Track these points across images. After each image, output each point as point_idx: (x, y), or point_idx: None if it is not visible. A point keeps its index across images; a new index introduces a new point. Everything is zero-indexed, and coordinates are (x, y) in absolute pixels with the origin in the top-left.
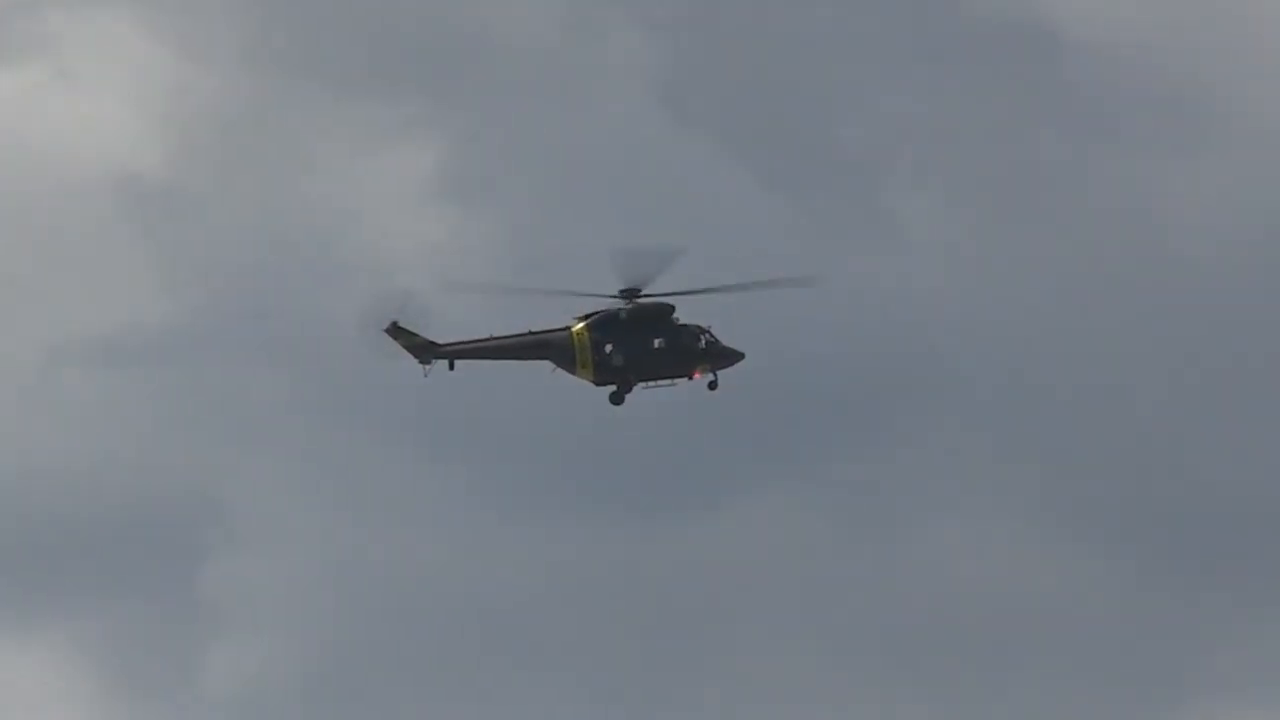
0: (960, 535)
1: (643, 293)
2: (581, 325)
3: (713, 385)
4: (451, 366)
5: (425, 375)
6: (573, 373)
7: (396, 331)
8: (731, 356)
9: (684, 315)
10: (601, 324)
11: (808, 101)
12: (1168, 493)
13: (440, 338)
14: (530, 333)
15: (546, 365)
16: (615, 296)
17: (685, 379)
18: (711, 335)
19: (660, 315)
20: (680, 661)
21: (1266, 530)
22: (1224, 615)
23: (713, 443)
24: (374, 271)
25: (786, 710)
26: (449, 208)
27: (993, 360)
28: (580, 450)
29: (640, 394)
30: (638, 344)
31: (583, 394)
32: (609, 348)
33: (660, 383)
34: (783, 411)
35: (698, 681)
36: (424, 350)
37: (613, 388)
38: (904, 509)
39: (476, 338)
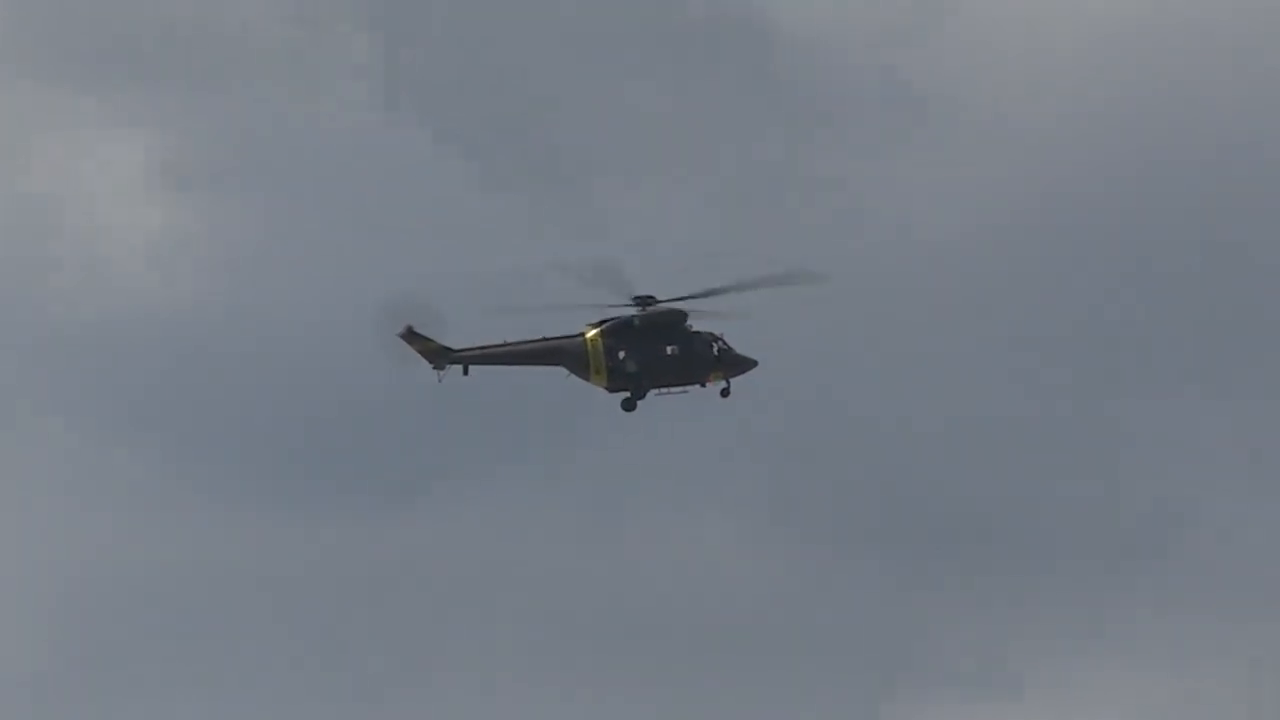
0: (674, 535)
1: (657, 300)
2: (595, 332)
3: (725, 392)
4: (466, 371)
5: (439, 380)
6: (586, 379)
7: (411, 336)
8: (744, 364)
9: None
10: (615, 331)
11: (526, 98)
12: (881, 490)
13: (455, 343)
14: (544, 339)
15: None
16: (629, 303)
17: (698, 386)
18: (724, 343)
19: (673, 322)
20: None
21: (981, 526)
22: (936, 611)
23: (437, 434)
24: (87, 263)
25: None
26: (164, 200)
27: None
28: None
29: (652, 400)
30: (651, 351)
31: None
32: (622, 354)
33: (673, 390)
34: (500, 409)
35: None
36: (438, 355)
37: (625, 394)
38: (617, 509)
39: (491, 343)
